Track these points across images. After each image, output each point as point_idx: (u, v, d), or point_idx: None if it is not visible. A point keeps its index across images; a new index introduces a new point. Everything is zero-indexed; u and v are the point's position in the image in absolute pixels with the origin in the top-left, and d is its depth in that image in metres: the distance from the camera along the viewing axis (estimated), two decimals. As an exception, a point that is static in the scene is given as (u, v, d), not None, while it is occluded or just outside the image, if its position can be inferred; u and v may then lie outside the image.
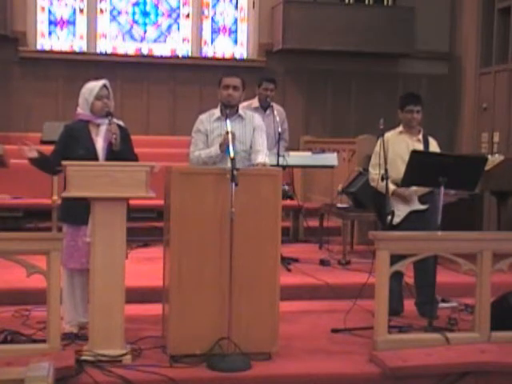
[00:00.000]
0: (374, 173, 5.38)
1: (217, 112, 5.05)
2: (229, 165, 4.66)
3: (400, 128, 5.50)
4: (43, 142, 8.99)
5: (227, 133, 4.58)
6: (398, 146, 5.38)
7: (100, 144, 4.67)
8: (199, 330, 4.22)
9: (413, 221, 5.28)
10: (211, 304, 4.24)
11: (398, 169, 5.18)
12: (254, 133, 5.03)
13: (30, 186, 7.47)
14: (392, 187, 5.27)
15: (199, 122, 5.08)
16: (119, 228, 4.21)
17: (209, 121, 5.03)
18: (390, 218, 5.22)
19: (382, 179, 5.10)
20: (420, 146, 5.40)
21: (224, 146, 4.79)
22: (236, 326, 4.22)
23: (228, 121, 4.69)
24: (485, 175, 5.58)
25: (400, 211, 5.33)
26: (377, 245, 4.46)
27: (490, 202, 8.22)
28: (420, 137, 5.47)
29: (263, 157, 4.95)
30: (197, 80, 11.23)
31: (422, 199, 5.35)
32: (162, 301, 4.63)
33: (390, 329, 4.57)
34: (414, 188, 5.29)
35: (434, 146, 5.50)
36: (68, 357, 4.06)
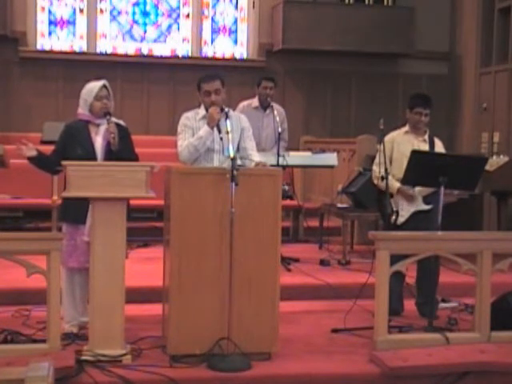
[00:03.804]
0: (377, 171, 5.35)
1: (201, 112, 4.97)
2: (215, 163, 4.66)
3: (406, 128, 5.47)
4: (43, 142, 8.99)
5: (227, 132, 4.56)
6: (404, 146, 5.35)
7: (99, 144, 4.66)
8: (199, 329, 4.22)
9: (417, 221, 5.27)
10: (211, 304, 4.23)
11: (403, 168, 5.16)
12: (242, 134, 4.92)
13: (30, 186, 7.46)
14: (397, 185, 5.27)
15: (185, 118, 4.97)
16: (119, 228, 4.21)
17: (194, 119, 4.95)
18: (394, 218, 5.22)
19: (382, 179, 5.10)
20: (425, 147, 5.38)
21: (212, 123, 4.74)
22: (236, 326, 4.22)
23: (228, 121, 4.66)
24: (488, 176, 5.56)
25: (404, 211, 5.32)
26: (377, 245, 4.46)
27: (490, 202, 8.22)
28: (426, 137, 5.44)
29: (259, 158, 4.88)
30: (197, 80, 11.17)
31: (426, 199, 5.33)
32: (162, 301, 4.62)
33: (390, 329, 4.57)
34: (418, 188, 5.28)
35: (439, 147, 5.48)
36: (68, 357, 4.05)
